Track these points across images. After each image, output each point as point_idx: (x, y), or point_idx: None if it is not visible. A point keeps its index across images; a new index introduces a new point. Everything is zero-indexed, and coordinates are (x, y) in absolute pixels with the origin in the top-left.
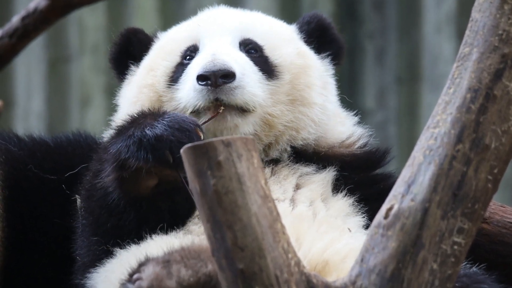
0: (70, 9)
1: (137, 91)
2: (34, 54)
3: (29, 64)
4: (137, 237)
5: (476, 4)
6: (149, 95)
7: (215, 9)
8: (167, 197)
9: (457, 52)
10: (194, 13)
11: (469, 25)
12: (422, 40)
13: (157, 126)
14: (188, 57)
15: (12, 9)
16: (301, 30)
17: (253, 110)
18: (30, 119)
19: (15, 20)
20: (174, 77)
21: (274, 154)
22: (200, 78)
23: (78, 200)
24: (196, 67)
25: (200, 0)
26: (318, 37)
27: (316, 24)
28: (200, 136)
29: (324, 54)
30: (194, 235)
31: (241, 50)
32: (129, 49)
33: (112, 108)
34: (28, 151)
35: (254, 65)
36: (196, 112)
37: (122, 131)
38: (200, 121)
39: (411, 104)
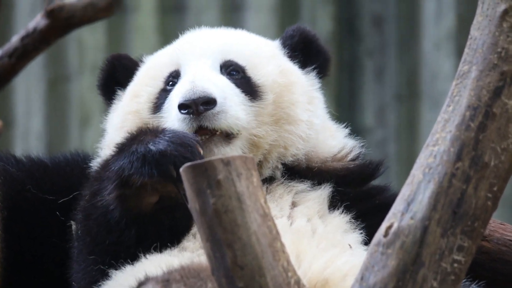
0: (70, 29)
1: (123, 118)
2: (33, 74)
3: (29, 83)
4: (135, 254)
5: (475, 22)
6: (135, 122)
7: (196, 31)
8: (168, 212)
9: (456, 69)
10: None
11: (468, 43)
12: (421, 57)
13: (159, 141)
14: (170, 83)
15: (12, 29)
16: (285, 45)
17: (237, 133)
18: (29, 139)
19: (15, 40)
20: (158, 103)
21: (266, 172)
22: (182, 107)
23: (73, 226)
24: (177, 95)
25: (200, 17)
26: (302, 50)
27: (299, 37)
28: (201, 152)
29: (310, 68)
30: (189, 251)
31: (222, 72)
32: (115, 75)
33: None
34: (26, 171)
35: (236, 87)
36: None
37: (123, 148)
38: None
39: (411, 121)
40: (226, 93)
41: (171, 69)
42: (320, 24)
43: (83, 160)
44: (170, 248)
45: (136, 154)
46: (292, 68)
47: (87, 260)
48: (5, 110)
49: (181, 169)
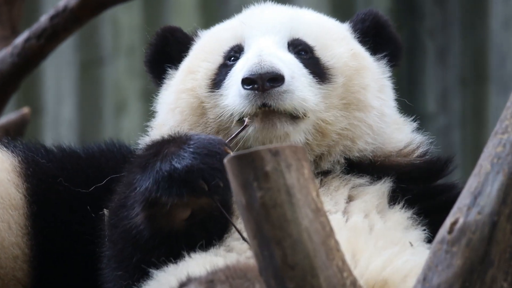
0: (103, 8)
1: (176, 97)
2: (64, 57)
3: (59, 67)
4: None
5: None
6: (189, 101)
7: (261, 6)
8: (201, 226)
9: None
10: (239, 10)
11: None
12: (488, 36)
13: (184, 155)
14: (232, 58)
15: (40, 8)
16: (355, 28)
17: (303, 116)
18: (60, 127)
19: (43, 19)
20: (217, 80)
21: (326, 166)
22: (246, 81)
23: (106, 215)
24: (241, 69)
25: None
26: (373, 36)
27: (371, 22)
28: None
29: (380, 55)
30: (235, 252)
31: (290, 51)
32: (166, 50)
33: (149, 115)
34: (57, 163)
35: (304, 67)
36: (241, 120)
37: (146, 163)
38: (228, 138)
39: (477, 107)
40: (294, 72)
41: (233, 43)
42: (377, 1)
43: (119, 150)
44: (216, 247)
45: (161, 173)
46: (363, 53)
47: (115, 276)
48: (34, 96)
49: (225, 160)
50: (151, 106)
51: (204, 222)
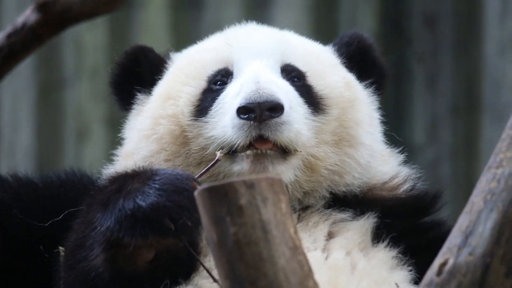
0: (66, 25)
1: (152, 123)
2: (22, 79)
3: (16, 90)
4: None
5: None
6: (170, 128)
7: (245, 26)
8: (166, 269)
9: None
10: (213, 29)
11: None
12: (482, 62)
13: (149, 192)
14: (219, 83)
15: None
16: (340, 53)
17: (294, 151)
18: (16, 155)
19: (0, 37)
20: (201, 107)
21: (310, 201)
22: (242, 110)
23: (61, 253)
24: (234, 96)
25: (219, 13)
26: (359, 62)
27: (357, 45)
28: None
29: (367, 82)
30: None
31: (283, 77)
32: (136, 71)
33: (114, 142)
34: (13, 193)
35: (299, 96)
36: (231, 153)
37: (107, 200)
38: (199, 173)
39: (469, 138)
40: (291, 101)
41: (218, 66)
42: (362, 22)
43: (80, 180)
44: (183, 286)
45: (123, 211)
46: (355, 82)
47: None
48: None
49: (195, 193)
50: (117, 133)
51: (169, 264)
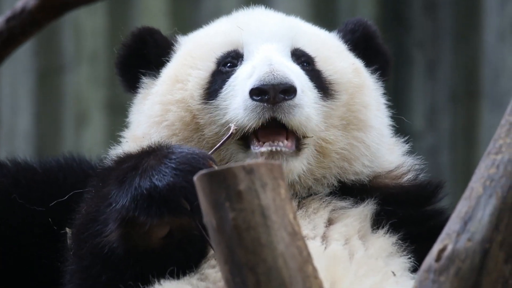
0: (65, 10)
1: (162, 109)
2: (21, 63)
3: (15, 75)
4: None
5: None
6: (180, 115)
7: (254, 11)
8: (179, 247)
9: None
10: (213, 16)
11: None
12: (482, 49)
13: (165, 171)
14: (228, 64)
15: None
16: (345, 39)
17: (305, 138)
18: (15, 140)
19: None
20: (211, 89)
21: (318, 189)
22: (255, 92)
23: (69, 234)
24: (246, 78)
25: (220, 1)
26: (363, 48)
27: (361, 32)
28: None
29: (371, 69)
30: (210, 281)
31: (293, 61)
32: (143, 53)
33: (113, 127)
34: (12, 178)
35: (309, 80)
36: (243, 139)
37: (123, 177)
38: (213, 149)
39: (468, 125)
40: (303, 85)
41: (227, 48)
42: (361, 8)
43: (79, 165)
44: (189, 274)
45: (139, 190)
46: (363, 68)
47: None
48: None
49: (195, 178)
50: (116, 118)
51: (182, 241)
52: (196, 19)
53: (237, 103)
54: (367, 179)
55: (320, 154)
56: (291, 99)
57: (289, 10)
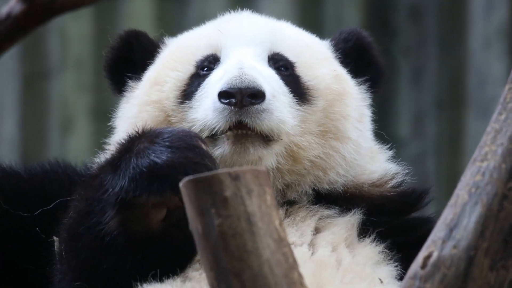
0: (51, 15)
1: (138, 110)
2: (6, 69)
3: (1, 80)
4: (134, 280)
5: None
6: (154, 114)
7: (239, 14)
8: (179, 225)
9: (508, 72)
10: (199, 21)
11: None
12: (467, 56)
13: (161, 149)
14: (206, 68)
15: None
16: (337, 48)
17: (277, 139)
18: (0, 145)
19: None
20: (187, 91)
21: (292, 196)
22: (223, 95)
23: (56, 243)
24: (217, 81)
25: (206, 6)
26: (355, 59)
27: (355, 42)
28: (208, 151)
29: (361, 79)
30: (194, 282)
31: (270, 65)
32: (129, 56)
33: (99, 133)
34: None
35: (284, 85)
36: (212, 137)
37: (116, 163)
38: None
39: (454, 132)
40: (274, 90)
41: (207, 52)
42: (347, 16)
43: (64, 171)
44: (173, 277)
45: (138, 169)
46: (346, 76)
47: (72, 286)
48: None
49: (181, 184)
50: (101, 124)
51: (181, 221)
52: (182, 23)
53: (207, 105)
54: (342, 188)
55: (291, 158)
56: (258, 103)
57: (275, 15)
